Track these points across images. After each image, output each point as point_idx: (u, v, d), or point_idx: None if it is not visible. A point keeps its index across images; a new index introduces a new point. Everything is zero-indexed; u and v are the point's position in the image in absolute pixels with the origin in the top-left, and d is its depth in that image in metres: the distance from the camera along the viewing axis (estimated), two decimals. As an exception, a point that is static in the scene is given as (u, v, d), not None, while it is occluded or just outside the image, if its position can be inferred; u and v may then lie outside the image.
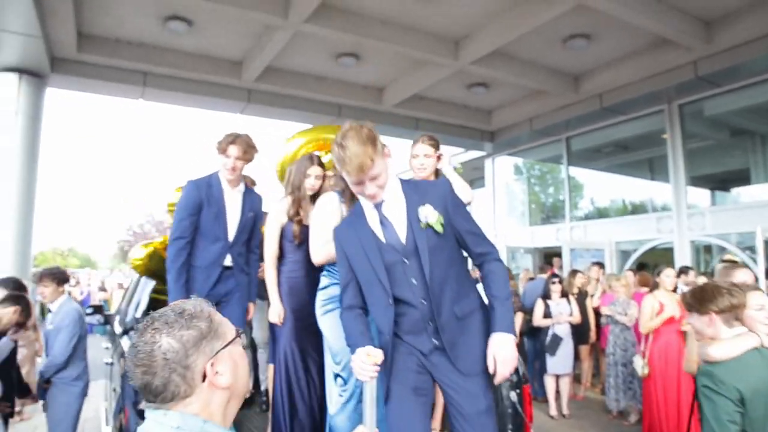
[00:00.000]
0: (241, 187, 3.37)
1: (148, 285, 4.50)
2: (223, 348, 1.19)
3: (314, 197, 3.25)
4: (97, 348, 6.43)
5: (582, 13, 6.90)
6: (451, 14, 7.28)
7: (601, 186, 11.97)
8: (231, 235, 3.28)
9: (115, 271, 28.32)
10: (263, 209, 3.56)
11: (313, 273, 3.08)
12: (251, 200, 3.42)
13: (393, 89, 9.83)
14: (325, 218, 2.77)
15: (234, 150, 3.19)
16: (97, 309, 5.93)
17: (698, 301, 2.24)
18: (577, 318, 6.55)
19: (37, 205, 8.12)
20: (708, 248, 9.73)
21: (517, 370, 2.81)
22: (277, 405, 3.11)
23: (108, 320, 5.94)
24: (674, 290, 5.28)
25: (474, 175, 14.85)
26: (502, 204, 14.08)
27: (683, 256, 9.20)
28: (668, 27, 7.08)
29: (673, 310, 5.04)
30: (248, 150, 3.24)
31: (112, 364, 4.39)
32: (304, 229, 3.13)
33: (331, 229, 2.34)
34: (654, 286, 5.33)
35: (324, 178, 3.28)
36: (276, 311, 3.13)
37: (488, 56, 8.14)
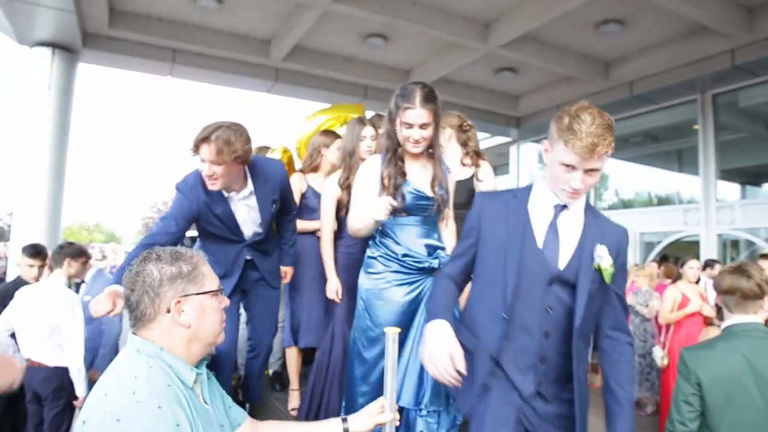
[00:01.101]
0: (249, 184, 2.65)
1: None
2: (196, 294, 1.35)
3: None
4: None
5: (616, -2, 6.75)
6: (482, -4, 7.19)
7: (628, 176, 11.78)
8: (248, 238, 2.77)
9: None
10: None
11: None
12: (267, 183, 2.71)
13: (420, 72, 9.75)
14: (366, 182, 2.45)
15: (206, 152, 2.36)
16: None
17: (716, 278, 2.22)
18: None
19: (67, 179, 8.29)
20: (735, 243, 9.54)
21: None
22: (329, 383, 2.95)
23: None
24: (697, 282, 5.16)
25: (498, 161, 14.72)
26: (525, 190, 13.95)
27: (709, 250, 9.04)
28: (707, 13, 6.87)
29: (695, 302, 4.96)
30: (233, 150, 2.37)
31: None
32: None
33: (371, 196, 2.35)
34: (677, 277, 5.26)
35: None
36: (333, 287, 2.99)
37: (518, 40, 8.02)
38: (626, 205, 11.50)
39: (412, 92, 2.26)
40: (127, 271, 1.36)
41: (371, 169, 2.45)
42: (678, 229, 9.87)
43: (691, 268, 5.11)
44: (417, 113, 2.25)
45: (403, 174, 2.35)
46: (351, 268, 2.89)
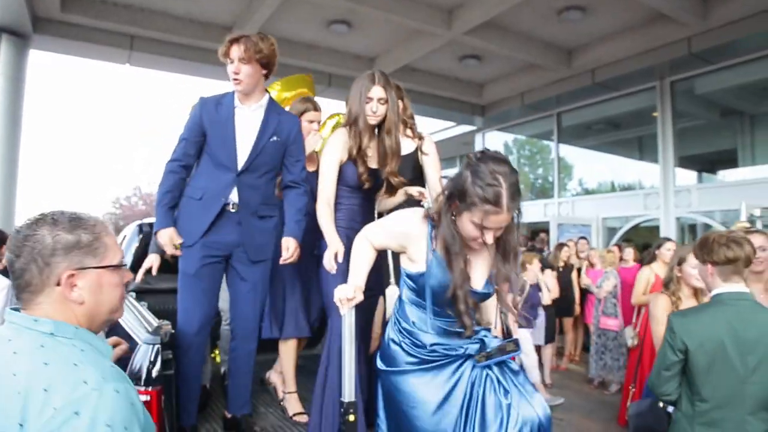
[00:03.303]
0: (263, 101, 2.72)
1: (132, 244, 4.45)
2: (93, 268, 1.18)
3: None
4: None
5: (578, -16, 6.84)
6: (446, -18, 7.18)
7: (590, 165, 12.00)
8: (241, 162, 2.65)
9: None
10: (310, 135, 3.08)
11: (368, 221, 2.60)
12: (278, 120, 2.74)
13: (384, 60, 9.71)
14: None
15: (235, 51, 2.56)
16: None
17: (701, 250, 2.23)
18: (555, 293, 6.50)
19: (20, 173, 7.97)
20: (693, 226, 9.83)
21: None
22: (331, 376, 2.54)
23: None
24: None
25: (464, 150, 14.82)
26: (491, 180, 14.10)
27: (669, 233, 9.29)
28: (665, 1, 7.03)
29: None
30: (258, 49, 2.56)
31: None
32: (371, 172, 2.62)
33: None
34: (651, 259, 5.31)
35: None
36: (334, 249, 2.40)
37: (482, 27, 8.06)
38: (589, 193, 11.72)
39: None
40: (14, 233, 1.19)
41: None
42: (639, 213, 10.13)
43: (668, 250, 5.02)
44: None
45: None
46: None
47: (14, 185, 7.79)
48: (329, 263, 2.38)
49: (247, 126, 2.68)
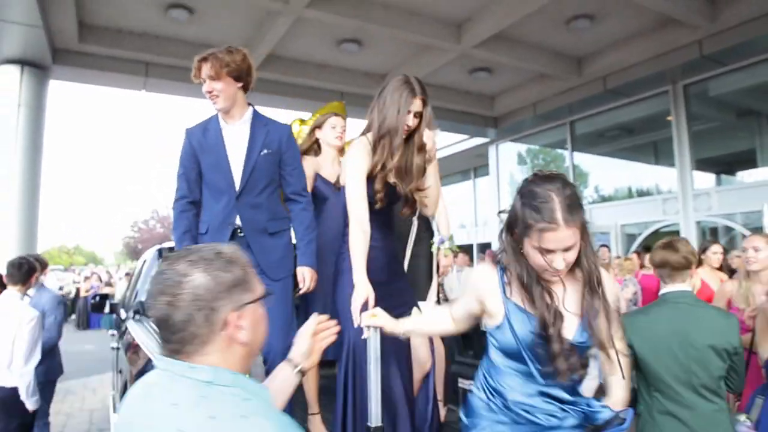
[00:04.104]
0: (247, 115, 2.61)
1: (153, 268, 4.50)
2: (251, 302, 1.11)
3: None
4: (103, 341, 6.49)
5: (585, -7, 6.86)
6: (453, -3, 7.25)
7: (606, 172, 11.91)
8: (237, 183, 2.55)
9: (121, 266, 28.52)
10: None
11: (391, 242, 2.44)
12: (266, 131, 2.60)
13: (396, 75, 9.75)
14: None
15: (205, 69, 2.48)
16: (104, 297, 5.96)
17: (650, 255, 2.57)
18: None
19: (41, 201, 8.13)
20: (714, 230, 9.68)
21: None
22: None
23: (114, 309, 5.97)
24: (719, 269, 4.74)
25: (478, 163, 14.82)
26: (505, 191, 14.05)
27: (689, 237, 9.15)
28: (673, 5, 7.02)
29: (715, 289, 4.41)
30: (225, 63, 2.46)
31: (118, 348, 4.41)
32: (390, 189, 2.37)
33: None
34: (698, 264, 5.10)
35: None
36: (363, 293, 2.06)
37: (491, 39, 8.10)
38: (606, 200, 11.62)
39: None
40: (157, 282, 1.06)
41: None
42: (657, 218, 10.01)
43: (714, 253, 4.69)
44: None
45: None
46: (373, 265, 2.26)
47: (36, 210, 7.95)
48: (355, 311, 2.05)
49: (236, 144, 2.59)
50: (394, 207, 2.50)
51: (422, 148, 2.40)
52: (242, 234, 2.57)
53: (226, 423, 0.95)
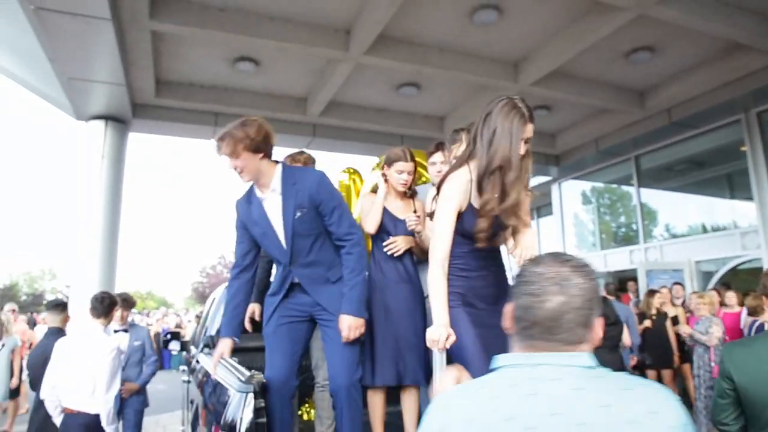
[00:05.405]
0: (276, 181, 2.60)
1: (221, 305, 4.65)
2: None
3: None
4: (174, 381, 6.71)
5: (644, 25, 6.75)
6: (509, 37, 7.32)
7: (676, 207, 11.40)
8: (286, 251, 2.62)
9: (189, 310, 29.53)
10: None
11: (492, 272, 2.34)
12: (296, 190, 2.57)
13: (454, 117, 9.89)
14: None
15: (224, 149, 2.52)
16: (175, 335, 6.17)
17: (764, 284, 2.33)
18: (627, 341, 6.04)
19: (119, 248, 8.58)
20: (802, 265, 9.02)
21: None
22: None
23: (184, 347, 6.17)
24: None
25: (541, 202, 14.56)
26: (570, 230, 13.68)
27: (774, 274, 8.56)
28: (740, 30, 6.77)
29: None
30: (239, 139, 2.48)
31: (188, 382, 4.55)
32: (495, 221, 2.20)
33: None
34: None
35: None
36: (442, 330, 2.06)
37: (548, 76, 8.08)
38: (677, 236, 11.09)
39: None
40: (539, 278, 1.13)
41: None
42: (736, 254, 9.43)
43: None
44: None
45: None
46: (470, 293, 2.26)
47: (115, 257, 8.40)
48: (431, 344, 2.08)
49: (275, 213, 2.62)
50: (497, 239, 2.36)
51: (527, 179, 2.25)
52: (297, 282, 2.66)
53: (630, 392, 1.05)
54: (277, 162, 2.68)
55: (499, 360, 1.15)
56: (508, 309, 1.18)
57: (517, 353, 1.15)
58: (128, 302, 5.01)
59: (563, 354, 1.10)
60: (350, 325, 2.55)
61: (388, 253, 3.01)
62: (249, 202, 2.69)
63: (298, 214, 2.57)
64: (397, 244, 3.00)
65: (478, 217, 2.18)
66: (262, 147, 2.55)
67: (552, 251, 1.20)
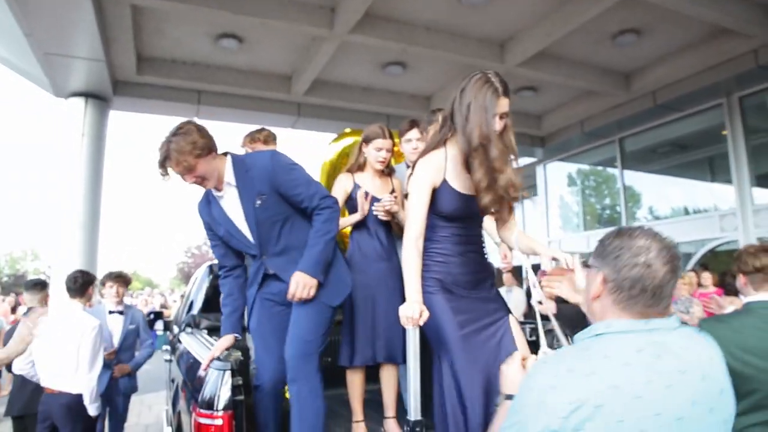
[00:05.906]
0: (230, 175, 2.51)
1: (203, 284, 4.65)
2: None
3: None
4: (159, 362, 6.73)
5: (630, 7, 6.75)
6: (496, 17, 7.27)
7: (658, 189, 11.53)
8: (254, 245, 2.57)
9: (175, 290, 29.45)
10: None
11: (469, 255, 2.34)
12: (250, 177, 2.48)
13: (440, 97, 9.84)
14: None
15: (177, 168, 2.39)
16: (158, 315, 6.16)
17: (735, 261, 2.34)
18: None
19: (102, 228, 8.46)
20: (779, 247, 9.19)
21: None
22: None
23: (167, 327, 6.16)
24: None
25: (526, 183, 14.49)
26: (554, 211, 13.79)
27: (752, 256, 8.73)
28: (726, 15, 6.78)
29: None
30: (183, 152, 2.32)
31: (170, 361, 4.56)
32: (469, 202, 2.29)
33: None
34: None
35: None
36: (415, 307, 2.08)
37: (535, 58, 8.05)
38: (659, 217, 11.23)
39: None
40: (660, 248, 1.24)
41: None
42: (715, 236, 9.59)
43: None
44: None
45: None
46: (448, 273, 2.28)
47: (96, 236, 8.29)
48: (405, 321, 2.08)
49: (235, 209, 2.53)
50: (473, 219, 2.38)
51: (515, 152, 2.26)
52: (273, 273, 2.59)
53: (707, 345, 1.27)
54: (225, 154, 2.56)
55: (605, 326, 1.22)
56: (599, 278, 1.26)
57: (629, 320, 1.23)
58: (123, 279, 4.93)
59: (669, 318, 1.24)
60: (298, 281, 2.40)
61: (379, 216, 2.96)
62: (208, 203, 2.61)
63: (258, 202, 2.48)
64: (388, 203, 2.92)
65: (479, 194, 2.19)
66: (211, 145, 2.42)
67: (636, 226, 1.30)
